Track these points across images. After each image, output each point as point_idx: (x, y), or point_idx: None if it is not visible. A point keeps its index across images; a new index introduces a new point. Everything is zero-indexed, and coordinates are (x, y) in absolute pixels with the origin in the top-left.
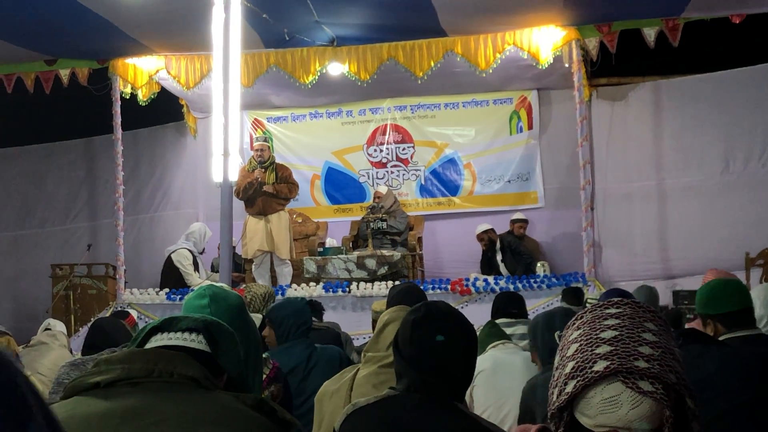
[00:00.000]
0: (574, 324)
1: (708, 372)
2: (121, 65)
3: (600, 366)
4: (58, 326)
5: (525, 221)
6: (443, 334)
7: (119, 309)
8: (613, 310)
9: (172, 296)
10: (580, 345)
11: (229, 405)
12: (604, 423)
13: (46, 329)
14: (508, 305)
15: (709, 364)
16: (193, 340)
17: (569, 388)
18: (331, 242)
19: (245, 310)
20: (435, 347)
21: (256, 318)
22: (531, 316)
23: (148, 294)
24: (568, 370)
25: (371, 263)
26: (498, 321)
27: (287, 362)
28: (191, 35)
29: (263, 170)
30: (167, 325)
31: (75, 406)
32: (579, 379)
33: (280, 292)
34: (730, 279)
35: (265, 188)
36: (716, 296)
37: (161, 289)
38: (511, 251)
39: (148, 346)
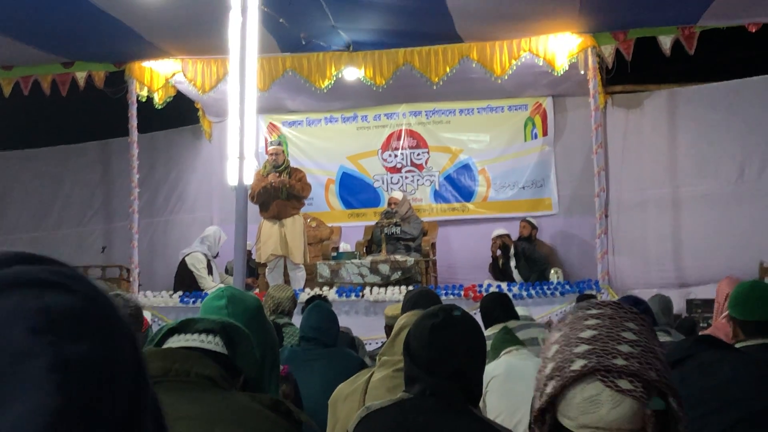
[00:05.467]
0: (557, 327)
1: (725, 378)
2: (137, 68)
3: (578, 365)
4: None
5: (528, 222)
6: (464, 339)
7: None
8: (594, 311)
9: (185, 299)
10: (560, 346)
11: (246, 405)
12: (585, 424)
13: None
14: (502, 312)
15: (727, 370)
16: (210, 342)
17: (549, 389)
18: (344, 247)
19: (263, 313)
20: (455, 352)
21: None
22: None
23: (162, 297)
24: (548, 371)
25: (384, 268)
26: (511, 326)
27: None
28: (208, 39)
29: (277, 174)
30: (184, 327)
31: None
32: (558, 379)
33: None
34: (759, 285)
35: (279, 179)
36: (741, 301)
37: (175, 292)
38: (525, 258)
39: (165, 347)
